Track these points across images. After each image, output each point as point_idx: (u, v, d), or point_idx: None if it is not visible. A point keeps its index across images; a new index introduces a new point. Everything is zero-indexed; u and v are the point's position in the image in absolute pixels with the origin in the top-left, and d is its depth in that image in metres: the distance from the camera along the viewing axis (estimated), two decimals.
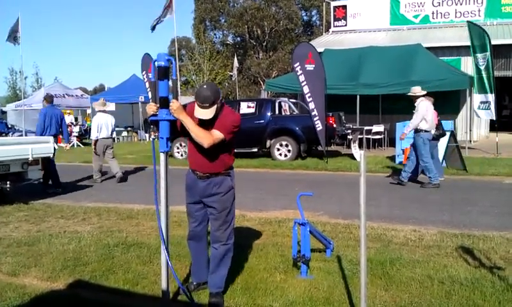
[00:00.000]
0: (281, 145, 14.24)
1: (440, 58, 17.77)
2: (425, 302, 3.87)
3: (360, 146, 15.37)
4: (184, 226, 6.51)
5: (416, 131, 9.37)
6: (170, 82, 3.80)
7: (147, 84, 19.38)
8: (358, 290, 3.78)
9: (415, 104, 9.45)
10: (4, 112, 30.66)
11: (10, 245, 5.66)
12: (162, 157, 3.78)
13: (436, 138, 9.97)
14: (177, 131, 3.87)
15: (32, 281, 4.53)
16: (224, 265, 3.96)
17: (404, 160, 9.74)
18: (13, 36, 22.22)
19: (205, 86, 3.76)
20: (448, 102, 17.93)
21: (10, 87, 46.94)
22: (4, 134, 22.81)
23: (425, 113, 9.26)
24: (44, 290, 4.31)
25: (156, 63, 3.66)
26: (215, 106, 3.67)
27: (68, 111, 27.26)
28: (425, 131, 9.32)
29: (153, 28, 21.06)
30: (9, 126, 26.44)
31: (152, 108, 3.67)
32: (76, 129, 23.46)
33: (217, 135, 3.71)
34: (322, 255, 5.09)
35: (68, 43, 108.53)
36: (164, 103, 3.69)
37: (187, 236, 4.18)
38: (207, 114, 3.67)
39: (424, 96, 9.50)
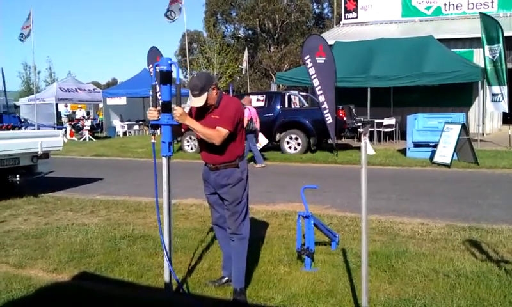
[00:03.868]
0: (290, 138, 14.20)
1: (452, 50, 17.53)
2: (429, 295, 3.83)
3: (371, 140, 15.27)
4: (191, 219, 6.57)
5: None
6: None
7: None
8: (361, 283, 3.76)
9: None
10: (17, 107, 31.01)
11: (18, 238, 5.73)
12: (164, 161, 3.77)
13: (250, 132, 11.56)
14: (180, 132, 3.94)
15: (38, 273, 4.58)
16: (240, 257, 3.95)
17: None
18: (26, 33, 22.15)
19: (195, 75, 3.83)
20: (460, 95, 17.72)
21: (24, 81, 47.32)
22: (16, 128, 23.01)
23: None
24: (49, 281, 4.35)
25: (157, 68, 3.63)
26: (205, 93, 3.68)
27: (79, 105, 27.50)
28: None
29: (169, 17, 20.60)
30: (22, 120, 26.69)
31: (152, 114, 3.66)
32: (88, 123, 23.54)
33: (222, 132, 3.72)
34: (327, 248, 5.07)
35: (82, 38, 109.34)
36: (166, 107, 3.67)
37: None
38: (197, 102, 3.71)
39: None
